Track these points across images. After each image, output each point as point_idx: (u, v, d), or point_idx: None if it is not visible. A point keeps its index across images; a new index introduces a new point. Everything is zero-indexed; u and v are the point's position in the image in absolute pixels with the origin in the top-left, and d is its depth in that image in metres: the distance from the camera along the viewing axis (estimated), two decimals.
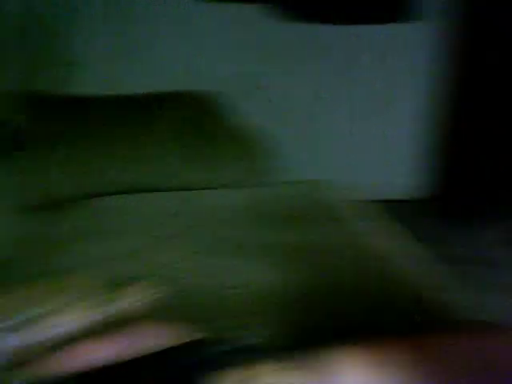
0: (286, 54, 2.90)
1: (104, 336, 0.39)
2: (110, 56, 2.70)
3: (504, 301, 2.20)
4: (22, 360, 0.36)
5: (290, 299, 0.92)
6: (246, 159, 1.68)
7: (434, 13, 3.13)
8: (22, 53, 2.32)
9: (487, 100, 3.29)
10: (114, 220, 1.30)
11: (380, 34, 3.18)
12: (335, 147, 3.33)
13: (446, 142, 3.42)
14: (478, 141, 3.33)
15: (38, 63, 2.46)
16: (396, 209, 2.10)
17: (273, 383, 0.38)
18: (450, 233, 2.93)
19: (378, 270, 1.04)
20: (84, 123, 1.62)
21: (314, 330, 0.82)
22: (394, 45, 3.25)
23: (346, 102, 3.22)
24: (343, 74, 3.18)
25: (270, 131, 1.90)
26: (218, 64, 2.73)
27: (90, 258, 1.06)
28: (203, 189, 1.61)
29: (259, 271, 1.03)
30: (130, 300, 0.41)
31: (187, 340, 0.39)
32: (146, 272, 0.99)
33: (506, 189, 3.15)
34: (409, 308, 0.90)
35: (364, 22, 3.24)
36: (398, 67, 3.24)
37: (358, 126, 3.28)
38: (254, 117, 1.91)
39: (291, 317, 0.87)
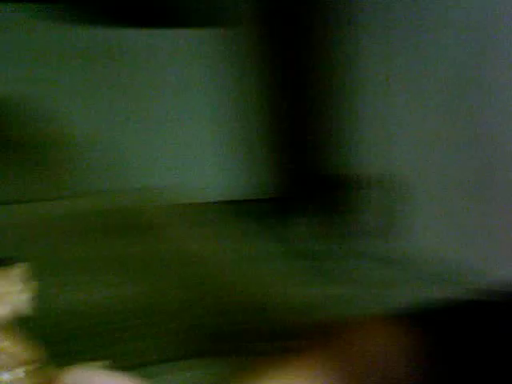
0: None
1: None
2: None
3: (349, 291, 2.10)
4: None
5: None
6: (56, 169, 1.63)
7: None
8: None
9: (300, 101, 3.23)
10: None
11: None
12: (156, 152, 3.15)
13: (271, 143, 3.34)
14: (296, 140, 3.26)
15: None
16: (227, 209, 2.22)
17: None
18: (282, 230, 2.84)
19: (214, 276, 1.03)
20: None
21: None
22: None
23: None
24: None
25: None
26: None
27: None
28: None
29: (103, 286, 0.97)
30: None
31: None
32: None
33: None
34: (255, 311, 0.92)
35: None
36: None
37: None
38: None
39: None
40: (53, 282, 0.92)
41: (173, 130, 3.62)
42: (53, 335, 0.77)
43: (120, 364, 0.41)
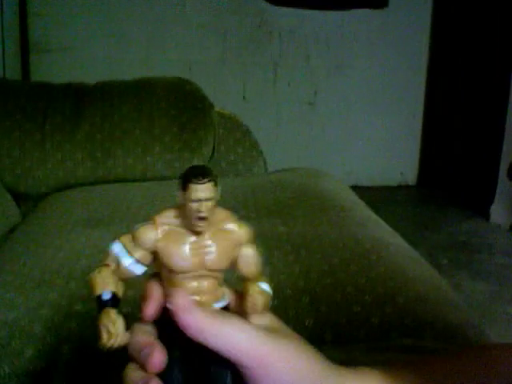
0: None
1: None
2: None
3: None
4: None
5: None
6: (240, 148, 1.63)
7: None
8: None
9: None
10: (98, 210, 1.23)
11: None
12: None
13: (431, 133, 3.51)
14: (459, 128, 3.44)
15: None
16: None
17: None
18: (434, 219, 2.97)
19: (377, 263, 0.95)
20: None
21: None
22: None
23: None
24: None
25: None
26: None
27: (78, 248, 1.01)
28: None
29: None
30: None
31: None
32: None
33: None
34: (411, 306, 0.83)
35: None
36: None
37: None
38: None
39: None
40: None
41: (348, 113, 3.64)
42: None
43: None
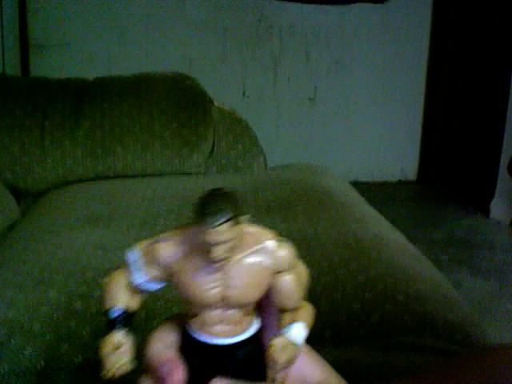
0: None
1: None
2: None
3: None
4: None
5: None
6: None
7: None
8: None
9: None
10: (98, 207, 1.23)
11: None
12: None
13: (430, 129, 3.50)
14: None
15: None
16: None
17: None
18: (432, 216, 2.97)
19: (377, 260, 0.95)
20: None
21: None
22: None
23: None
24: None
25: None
26: None
27: (77, 246, 1.00)
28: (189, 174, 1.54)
29: None
30: None
31: None
32: None
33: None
34: (411, 303, 0.82)
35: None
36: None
37: None
38: None
39: None
40: None
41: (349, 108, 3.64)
42: None
43: None
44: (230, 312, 0.32)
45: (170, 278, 0.32)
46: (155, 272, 0.32)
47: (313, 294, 0.82)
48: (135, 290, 0.33)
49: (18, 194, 1.50)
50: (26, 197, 1.52)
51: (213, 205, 0.29)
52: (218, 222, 0.29)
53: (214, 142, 1.62)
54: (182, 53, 3.33)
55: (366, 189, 1.63)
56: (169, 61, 3.25)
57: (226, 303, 0.31)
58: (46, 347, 0.73)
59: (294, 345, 0.33)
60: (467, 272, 2.31)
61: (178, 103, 1.61)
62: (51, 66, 3.11)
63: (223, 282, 0.31)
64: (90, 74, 1.74)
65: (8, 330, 0.75)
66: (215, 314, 0.32)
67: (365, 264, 0.92)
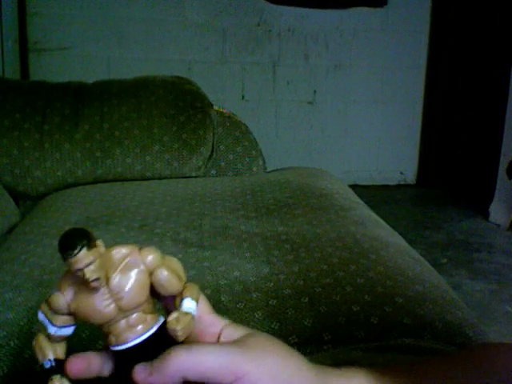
0: None
1: None
2: None
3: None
4: None
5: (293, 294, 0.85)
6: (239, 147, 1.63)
7: None
8: None
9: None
10: (97, 209, 1.23)
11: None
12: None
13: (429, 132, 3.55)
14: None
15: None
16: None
17: None
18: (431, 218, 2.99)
19: (376, 262, 0.95)
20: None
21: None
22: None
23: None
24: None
25: None
26: None
27: None
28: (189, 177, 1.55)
29: (257, 263, 0.95)
30: None
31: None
32: None
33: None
34: (410, 305, 0.82)
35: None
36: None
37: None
38: None
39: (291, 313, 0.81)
40: (214, 254, 0.97)
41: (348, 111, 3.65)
42: None
43: None
44: (133, 316, 0.38)
45: (74, 316, 0.38)
46: (61, 318, 0.38)
47: (312, 296, 0.82)
48: (55, 339, 0.39)
49: (18, 196, 1.50)
50: (26, 199, 1.52)
51: (65, 241, 0.35)
52: (74, 253, 0.34)
53: (213, 145, 1.62)
54: (182, 56, 3.33)
55: (365, 192, 1.63)
56: (168, 64, 3.25)
57: (124, 311, 0.37)
58: None
59: (186, 314, 0.38)
60: (466, 274, 2.31)
61: (178, 106, 1.61)
62: (50, 69, 3.12)
63: (113, 297, 0.37)
64: (90, 78, 1.75)
65: (8, 332, 0.75)
66: (122, 323, 0.38)
67: (364, 266, 0.92)
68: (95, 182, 1.52)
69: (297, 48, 3.49)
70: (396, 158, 3.76)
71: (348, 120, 3.65)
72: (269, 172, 1.67)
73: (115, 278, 0.37)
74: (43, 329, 0.38)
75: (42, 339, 0.39)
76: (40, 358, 0.39)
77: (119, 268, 0.37)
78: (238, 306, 0.81)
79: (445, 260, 2.46)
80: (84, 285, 0.36)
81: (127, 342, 0.37)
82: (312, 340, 0.75)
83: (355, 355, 0.65)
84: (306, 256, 0.96)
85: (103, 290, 0.37)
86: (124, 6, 3.22)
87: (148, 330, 0.38)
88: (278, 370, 0.38)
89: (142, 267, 0.38)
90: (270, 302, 0.82)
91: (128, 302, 0.37)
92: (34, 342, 0.39)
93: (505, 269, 2.36)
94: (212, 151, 1.61)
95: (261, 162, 1.66)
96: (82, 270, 0.34)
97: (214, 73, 3.38)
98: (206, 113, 1.63)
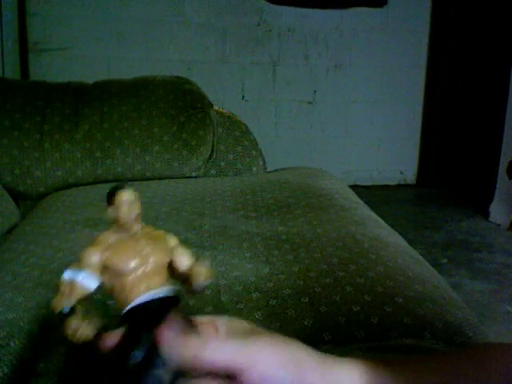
0: None
1: None
2: None
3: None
4: None
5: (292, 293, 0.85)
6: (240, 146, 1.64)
7: None
8: None
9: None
10: (98, 209, 1.22)
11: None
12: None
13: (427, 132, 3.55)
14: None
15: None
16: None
17: None
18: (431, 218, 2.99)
19: (376, 262, 0.95)
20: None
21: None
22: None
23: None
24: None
25: None
26: None
27: (77, 248, 1.01)
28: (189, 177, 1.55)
29: (257, 263, 0.95)
30: None
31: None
32: None
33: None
34: (410, 305, 0.82)
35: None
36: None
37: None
38: None
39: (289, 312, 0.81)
40: (212, 253, 0.97)
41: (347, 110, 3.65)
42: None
43: None
44: (154, 279, 0.41)
45: (103, 268, 0.40)
46: (91, 268, 0.40)
47: (312, 296, 0.82)
48: (79, 290, 0.40)
49: (18, 196, 1.50)
50: (26, 200, 1.52)
51: (116, 184, 0.41)
52: (124, 186, 0.40)
53: (213, 145, 1.62)
54: (182, 56, 3.33)
55: (365, 192, 1.63)
56: (168, 64, 3.25)
57: (148, 269, 0.40)
58: (45, 349, 0.73)
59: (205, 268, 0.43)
60: (466, 274, 2.31)
61: (178, 106, 1.61)
62: (50, 69, 3.12)
63: (142, 250, 0.40)
64: (90, 78, 1.75)
65: (8, 332, 0.75)
66: (143, 285, 0.40)
67: (364, 266, 0.92)
68: (95, 182, 1.52)
69: (297, 48, 3.49)
70: (396, 158, 3.75)
71: (348, 120, 3.65)
72: (269, 172, 1.67)
73: (145, 239, 0.41)
74: (66, 288, 0.40)
75: (65, 287, 0.40)
76: (60, 304, 0.40)
77: (148, 233, 0.42)
78: (237, 306, 0.81)
79: (445, 260, 2.46)
80: (119, 238, 0.40)
81: (140, 299, 0.40)
82: (312, 340, 0.75)
83: (355, 355, 0.65)
84: (305, 256, 0.96)
85: (136, 243, 0.40)
86: (124, 6, 3.22)
87: (161, 293, 0.40)
88: (286, 358, 0.39)
89: (164, 240, 0.43)
90: (270, 302, 0.82)
91: (155, 256, 0.41)
92: (51, 301, 0.40)
93: (505, 269, 2.36)
94: (212, 151, 1.61)
95: (261, 162, 1.66)
96: (129, 202, 0.39)
97: (214, 73, 3.38)
98: (206, 113, 1.63)
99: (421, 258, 1.05)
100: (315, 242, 1.02)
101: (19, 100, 1.56)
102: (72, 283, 0.40)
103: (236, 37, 3.40)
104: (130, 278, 0.40)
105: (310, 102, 3.58)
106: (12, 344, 0.73)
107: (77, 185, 1.50)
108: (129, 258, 0.40)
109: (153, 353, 0.38)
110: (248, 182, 1.45)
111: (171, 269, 0.42)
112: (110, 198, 0.40)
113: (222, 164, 1.62)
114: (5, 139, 1.48)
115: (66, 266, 0.93)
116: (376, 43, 3.56)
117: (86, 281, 0.40)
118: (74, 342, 0.39)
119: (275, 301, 0.82)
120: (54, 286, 0.40)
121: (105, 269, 0.40)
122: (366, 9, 3.49)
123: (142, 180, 1.52)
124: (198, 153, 1.57)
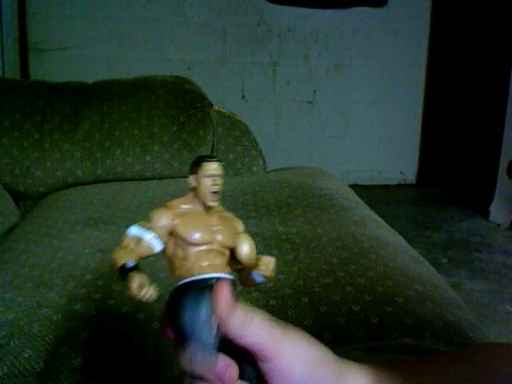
0: None
1: None
2: None
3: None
4: None
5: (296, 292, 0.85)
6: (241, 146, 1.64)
7: None
8: None
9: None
10: (98, 209, 1.23)
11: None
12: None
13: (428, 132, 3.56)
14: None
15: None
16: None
17: None
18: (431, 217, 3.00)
19: (376, 262, 0.95)
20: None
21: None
22: None
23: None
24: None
25: None
26: None
27: (77, 248, 1.00)
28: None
29: None
30: None
31: None
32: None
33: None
34: (410, 305, 0.82)
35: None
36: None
37: None
38: None
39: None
40: None
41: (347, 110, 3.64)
42: None
43: None
44: (217, 259, 0.39)
45: (170, 234, 0.39)
46: (159, 229, 0.39)
47: (312, 296, 0.82)
48: (140, 254, 0.39)
49: (18, 196, 1.50)
50: (26, 199, 1.52)
51: (205, 155, 0.41)
52: (215, 159, 0.39)
53: (213, 144, 1.62)
54: (182, 56, 3.33)
55: (365, 192, 1.63)
56: (168, 64, 3.25)
57: (214, 245, 0.39)
58: (45, 349, 0.73)
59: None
60: (466, 274, 2.31)
61: (178, 106, 1.61)
62: (50, 69, 3.12)
63: (211, 226, 0.40)
64: (90, 78, 1.75)
65: (8, 331, 0.75)
66: (204, 260, 0.39)
67: (364, 266, 0.92)
68: (95, 181, 1.52)
69: (297, 48, 3.49)
70: (396, 157, 3.76)
71: (348, 120, 3.65)
72: (269, 172, 1.67)
73: (218, 217, 0.40)
74: (131, 242, 0.39)
75: (130, 241, 0.39)
76: (122, 259, 0.38)
77: (221, 214, 0.41)
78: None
79: (445, 260, 2.46)
80: (194, 209, 0.40)
81: (201, 274, 0.39)
82: None
83: (355, 355, 0.65)
84: (305, 256, 0.96)
85: (208, 217, 0.40)
86: (124, 6, 3.22)
87: (221, 275, 0.39)
88: (312, 357, 0.39)
89: (234, 224, 0.42)
90: (270, 302, 0.82)
91: (223, 236, 0.40)
92: (114, 251, 0.39)
93: (505, 268, 2.36)
94: (212, 151, 1.61)
95: (261, 162, 1.66)
96: (213, 176, 0.39)
97: (213, 73, 3.38)
98: (206, 112, 1.63)
99: (421, 257, 1.05)
100: (315, 242, 1.02)
101: (19, 100, 1.56)
102: (138, 240, 0.38)
103: (236, 37, 3.40)
104: (195, 250, 0.39)
105: (309, 102, 3.59)
106: (12, 344, 0.73)
107: (77, 185, 1.50)
108: (198, 230, 0.39)
109: (210, 311, 0.37)
110: (248, 182, 1.45)
111: (231, 255, 0.41)
112: (195, 166, 0.39)
113: (222, 164, 1.62)
114: (5, 139, 1.48)
115: (66, 266, 0.93)
116: (376, 43, 3.56)
117: (153, 241, 0.39)
118: (137, 300, 0.37)
119: (275, 301, 0.82)
120: (116, 243, 0.39)
121: (171, 235, 0.39)
122: (366, 9, 3.49)
123: (142, 180, 1.52)
124: (198, 153, 1.57)
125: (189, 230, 0.39)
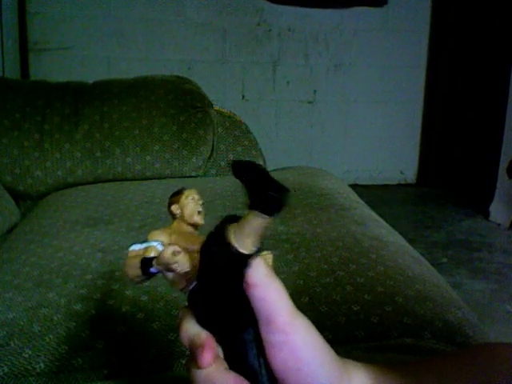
0: None
1: None
2: None
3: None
4: None
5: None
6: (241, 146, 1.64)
7: None
8: None
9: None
10: (98, 209, 1.23)
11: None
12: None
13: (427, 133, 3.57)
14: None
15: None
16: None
17: None
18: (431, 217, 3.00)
19: (376, 262, 0.95)
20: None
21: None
22: None
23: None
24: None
25: None
26: None
27: (77, 248, 1.00)
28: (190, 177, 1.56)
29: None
30: None
31: None
32: None
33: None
34: (410, 305, 0.82)
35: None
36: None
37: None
38: None
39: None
40: None
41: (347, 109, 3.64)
42: None
43: None
44: None
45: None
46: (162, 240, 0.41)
47: (312, 296, 0.82)
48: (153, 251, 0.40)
49: (18, 196, 1.50)
50: (26, 199, 1.52)
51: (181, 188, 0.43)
52: (187, 187, 0.43)
53: (213, 144, 1.62)
54: (182, 56, 3.33)
55: (365, 191, 1.63)
56: (168, 64, 3.25)
57: None
58: (45, 349, 0.73)
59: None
60: (466, 274, 2.31)
61: (178, 106, 1.61)
62: (50, 69, 3.12)
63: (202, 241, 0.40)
64: (90, 78, 1.75)
65: (7, 331, 0.75)
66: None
67: (364, 265, 0.92)
68: (95, 181, 1.52)
69: (297, 48, 3.49)
70: (396, 157, 3.76)
71: (348, 120, 3.65)
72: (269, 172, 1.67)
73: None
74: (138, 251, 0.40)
75: (137, 253, 0.40)
76: (138, 258, 0.40)
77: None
78: None
79: (445, 259, 2.46)
80: (182, 229, 0.42)
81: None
82: None
83: (355, 355, 0.65)
84: (305, 255, 0.96)
85: (196, 236, 0.41)
86: (124, 5, 3.22)
87: None
88: (320, 340, 0.38)
89: None
90: None
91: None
92: (127, 258, 0.40)
93: (505, 268, 2.36)
94: (212, 151, 1.61)
95: (261, 162, 1.66)
96: (194, 199, 0.42)
97: (213, 73, 3.38)
98: (206, 112, 1.63)
99: (421, 257, 1.05)
100: (315, 242, 1.02)
101: (19, 100, 1.56)
102: (145, 248, 0.40)
103: (236, 37, 3.40)
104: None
105: (310, 102, 3.59)
106: (12, 344, 0.73)
107: (77, 185, 1.50)
108: (195, 241, 0.40)
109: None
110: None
111: None
112: (176, 196, 0.43)
113: (222, 164, 1.62)
114: (5, 139, 1.48)
115: (66, 266, 0.93)
116: (376, 43, 3.56)
117: (160, 247, 0.40)
118: (168, 268, 0.38)
119: None
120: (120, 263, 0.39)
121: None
122: (366, 8, 3.49)
123: (142, 180, 1.52)
124: (198, 152, 1.57)
125: (187, 241, 0.40)
